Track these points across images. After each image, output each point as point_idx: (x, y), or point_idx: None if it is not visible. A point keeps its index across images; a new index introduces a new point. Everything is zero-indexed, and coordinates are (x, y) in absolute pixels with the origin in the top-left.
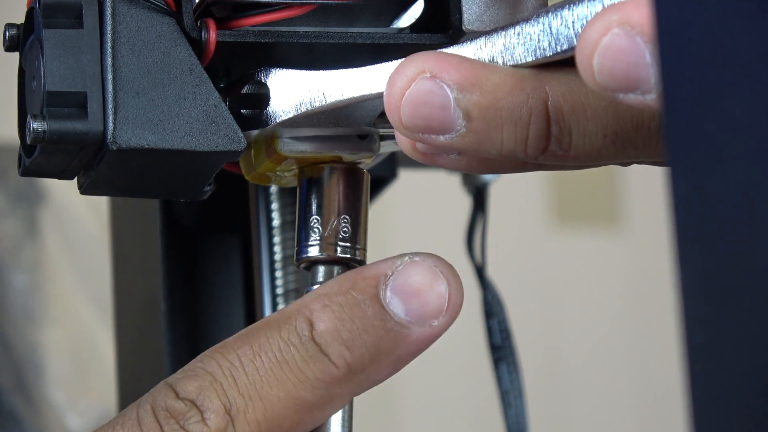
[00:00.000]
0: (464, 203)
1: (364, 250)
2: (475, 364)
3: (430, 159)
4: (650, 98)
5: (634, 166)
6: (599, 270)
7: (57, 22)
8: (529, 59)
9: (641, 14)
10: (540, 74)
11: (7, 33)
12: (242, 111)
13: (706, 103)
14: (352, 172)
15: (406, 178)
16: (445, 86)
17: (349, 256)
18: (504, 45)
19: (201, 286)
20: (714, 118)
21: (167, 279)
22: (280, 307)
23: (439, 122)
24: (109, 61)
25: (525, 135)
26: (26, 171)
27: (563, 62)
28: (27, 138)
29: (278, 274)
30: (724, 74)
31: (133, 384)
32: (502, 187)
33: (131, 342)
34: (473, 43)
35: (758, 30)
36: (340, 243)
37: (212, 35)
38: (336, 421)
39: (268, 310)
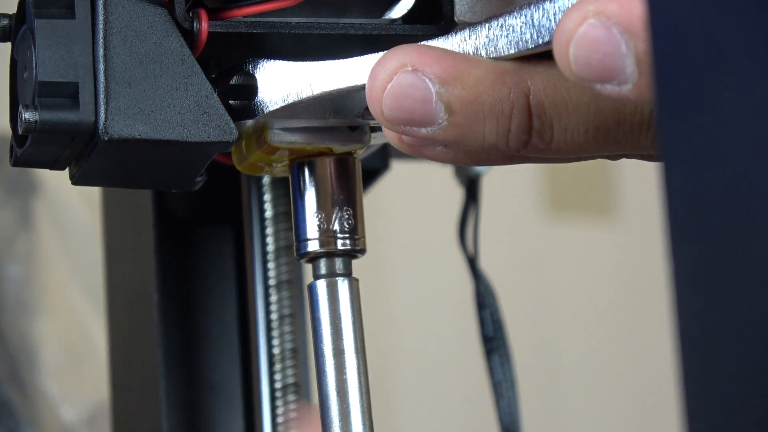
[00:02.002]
0: (457, 194)
1: (363, 238)
2: (468, 356)
3: (416, 150)
4: (626, 89)
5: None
6: (592, 261)
7: (49, 12)
8: (512, 51)
9: (618, 5)
10: (522, 68)
11: None
12: (231, 102)
13: (699, 95)
14: (344, 162)
15: (398, 169)
16: (427, 80)
17: (349, 247)
18: (487, 37)
19: (194, 277)
20: (708, 111)
21: (160, 270)
22: (273, 298)
23: (420, 115)
24: (100, 51)
25: (507, 129)
26: (18, 161)
27: (545, 56)
28: (19, 128)
29: (271, 265)
30: (717, 67)
31: (125, 375)
32: (495, 178)
33: (124, 333)
34: (458, 35)
35: (752, 23)
36: (340, 235)
37: (204, 26)
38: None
39: (260, 301)
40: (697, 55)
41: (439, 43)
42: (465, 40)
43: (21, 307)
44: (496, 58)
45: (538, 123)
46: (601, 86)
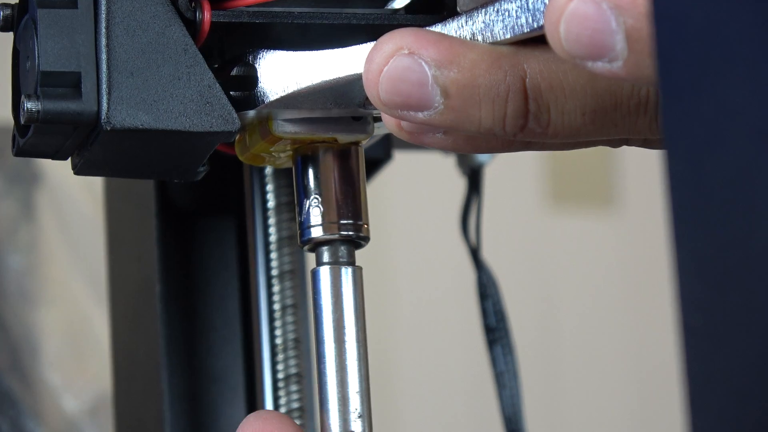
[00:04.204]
0: (459, 184)
1: (367, 225)
2: (470, 346)
3: (415, 138)
4: (617, 66)
5: (628, 147)
6: (594, 251)
7: (51, 1)
8: (508, 36)
9: None
10: (518, 52)
11: (1, 13)
12: (231, 93)
13: (702, 86)
14: (347, 151)
15: (401, 159)
16: (423, 63)
17: (352, 233)
18: (483, 22)
19: (196, 268)
20: (711, 102)
21: (162, 260)
22: (275, 288)
23: (417, 99)
24: (103, 41)
25: (503, 113)
26: (20, 151)
27: (542, 40)
28: (21, 118)
29: (273, 255)
30: (720, 58)
31: (128, 365)
32: (497, 168)
33: (126, 323)
34: (455, 20)
35: (754, 13)
36: (343, 221)
37: (207, 15)
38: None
39: (263, 292)
40: (699, 46)
41: (436, 29)
42: (462, 25)
43: (23, 297)
44: (493, 43)
45: (534, 106)
46: (593, 64)
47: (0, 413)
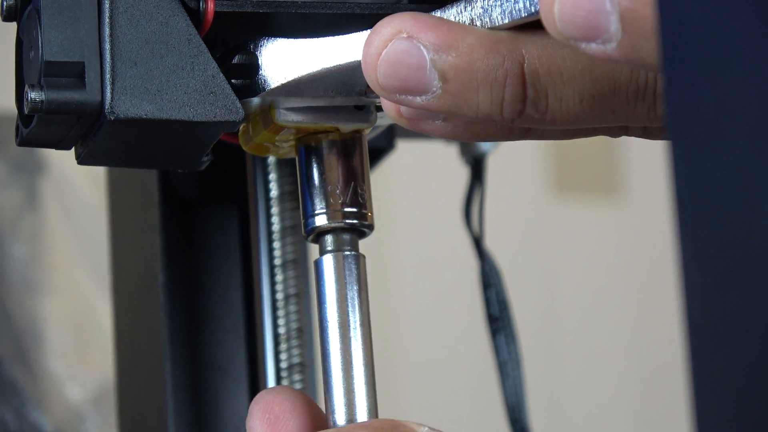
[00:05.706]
0: (462, 174)
1: (371, 213)
2: (473, 335)
3: (415, 124)
4: (611, 47)
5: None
6: (598, 241)
7: None
8: (506, 21)
9: None
10: (517, 37)
11: (5, 3)
12: (233, 81)
13: (706, 78)
14: (350, 140)
15: (404, 149)
16: (422, 47)
17: (357, 221)
18: (482, 8)
19: (199, 257)
20: (714, 93)
21: (165, 250)
22: (278, 278)
23: (415, 83)
24: (106, 31)
25: (500, 97)
26: (24, 141)
27: (540, 26)
28: (25, 108)
29: (276, 245)
30: (723, 50)
31: (131, 355)
32: (501, 157)
33: (129, 312)
34: (454, 6)
35: (756, 9)
36: (347, 210)
37: (210, 5)
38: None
39: (266, 281)
40: (704, 38)
41: (436, 14)
42: (461, 11)
43: (27, 286)
44: (491, 29)
45: (532, 92)
46: (587, 45)
47: (4, 402)
